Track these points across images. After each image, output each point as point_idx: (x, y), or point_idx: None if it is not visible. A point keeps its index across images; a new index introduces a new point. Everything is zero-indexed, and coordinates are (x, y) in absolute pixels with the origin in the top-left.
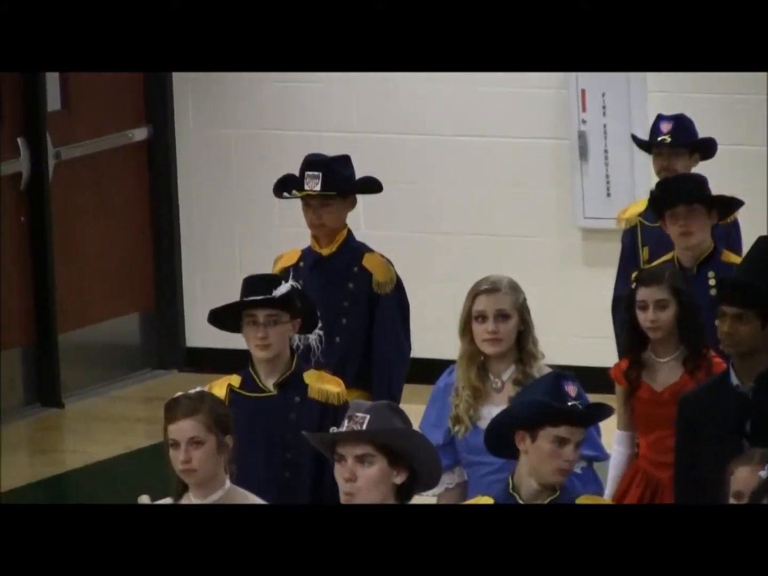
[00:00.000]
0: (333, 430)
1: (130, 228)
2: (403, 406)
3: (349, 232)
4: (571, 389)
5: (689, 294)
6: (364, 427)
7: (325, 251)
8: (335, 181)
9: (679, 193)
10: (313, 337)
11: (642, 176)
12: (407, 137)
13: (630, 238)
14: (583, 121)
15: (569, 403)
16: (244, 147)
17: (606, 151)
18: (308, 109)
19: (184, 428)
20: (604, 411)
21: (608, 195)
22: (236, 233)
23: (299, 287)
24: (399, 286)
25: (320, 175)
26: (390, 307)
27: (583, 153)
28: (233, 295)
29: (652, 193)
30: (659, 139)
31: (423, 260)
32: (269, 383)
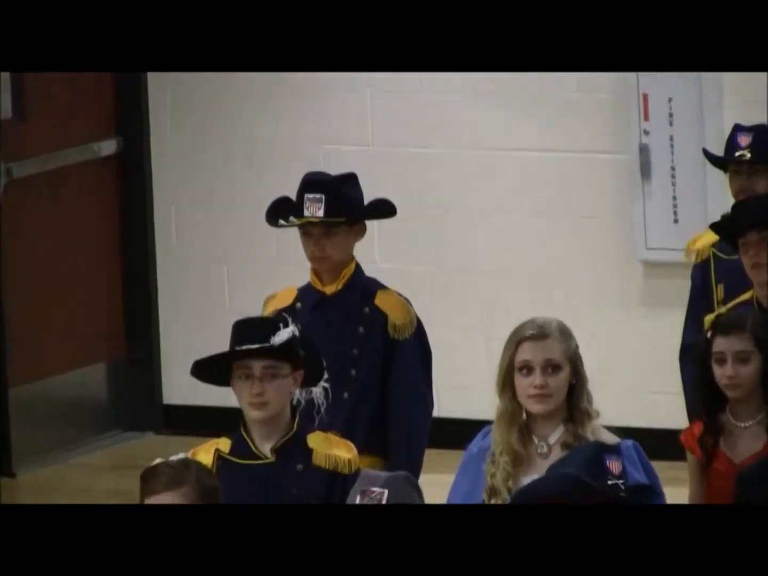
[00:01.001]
0: None
1: (96, 260)
2: (425, 476)
3: (358, 266)
4: (615, 466)
5: None
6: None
7: (329, 289)
8: (341, 205)
9: (752, 217)
10: (317, 391)
11: (716, 199)
12: (430, 150)
13: (701, 274)
14: (646, 132)
15: (609, 482)
16: (233, 163)
17: (673, 169)
18: (310, 120)
19: (165, 503)
20: (649, 496)
21: (675, 221)
22: (225, 268)
23: (301, 332)
24: (420, 331)
25: (323, 197)
26: (409, 355)
27: (646, 170)
28: (221, 342)
29: (723, 218)
30: (737, 155)
31: (449, 300)
32: (265, 448)
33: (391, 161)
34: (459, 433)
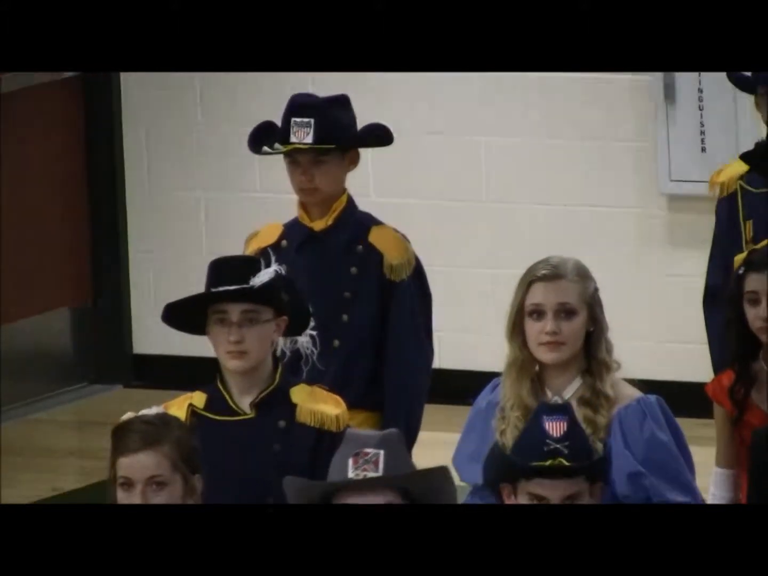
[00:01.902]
0: (334, 472)
1: (58, 194)
2: (426, 433)
3: (350, 199)
4: (555, 426)
5: None
6: (381, 468)
7: (318, 225)
8: (332, 130)
9: None
10: (303, 341)
11: (748, 127)
12: (444, 74)
13: (727, 209)
14: None
15: (549, 447)
16: (214, 82)
17: (700, 91)
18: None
19: (142, 464)
20: (595, 464)
21: (703, 150)
22: (201, 199)
23: (285, 274)
24: (419, 271)
25: (312, 122)
26: (408, 298)
27: (670, 93)
28: (197, 284)
29: (757, 146)
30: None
31: (453, 237)
32: (245, 403)
33: (385, 85)
34: (464, 386)
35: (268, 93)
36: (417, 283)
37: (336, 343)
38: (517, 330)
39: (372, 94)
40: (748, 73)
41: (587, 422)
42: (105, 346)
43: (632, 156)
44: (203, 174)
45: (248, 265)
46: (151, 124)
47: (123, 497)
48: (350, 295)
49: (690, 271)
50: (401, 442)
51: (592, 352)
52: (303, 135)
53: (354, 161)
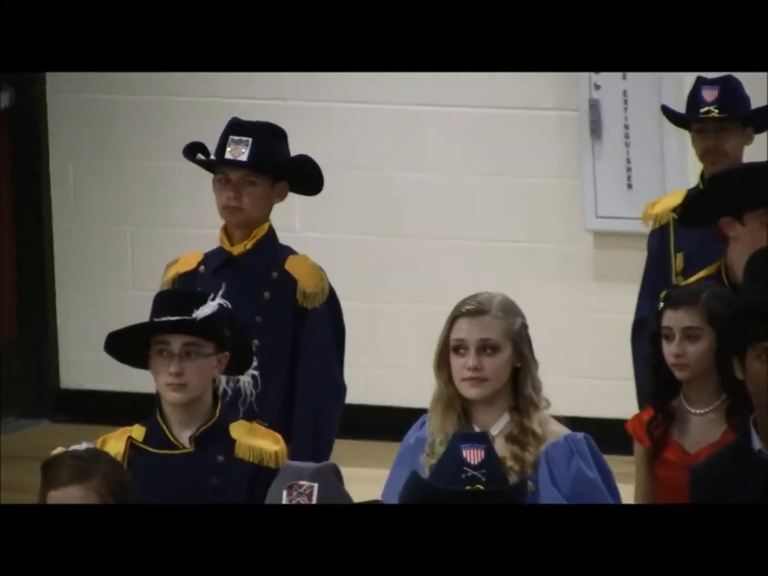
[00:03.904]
0: (269, 503)
1: None
2: (350, 469)
3: (272, 229)
4: (473, 455)
5: None
6: (314, 500)
7: (237, 249)
8: (267, 155)
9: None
10: (245, 380)
11: (674, 163)
12: (369, 106)
13: (659, 241)
14: (596, 87)
15: (467, 474)
16: (135, 114)
17: (627, 127)
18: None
19: (71, 497)
20: (510, 490)
21: (629, 187)
22: (128, 232)
23: (230, 310)
24: (333, 301)
25: (249, 141)
26: (320, 326)
27: (596, 129)
28: (124, 318)
29: (701, 193)
30: (702, 111)
31: (380, 272)
32: (184, 437)
33: (314, 119)
34: (391, 423)
35: (195, 128)
36: (330, 313)
37: None
38: (443, 365)
39: (298, 127)
40: (682, 111)
41: (515, 459)
42: (30, 380)
43: (559, 192)
44: (129, 207)
45: (193, 298)
46: (78, 158)
47: None
48: (262, 320)
49: (615, 307)
50: (337, 474)
51: (519, 388)
52: (238, 153)
53: (281, 195)
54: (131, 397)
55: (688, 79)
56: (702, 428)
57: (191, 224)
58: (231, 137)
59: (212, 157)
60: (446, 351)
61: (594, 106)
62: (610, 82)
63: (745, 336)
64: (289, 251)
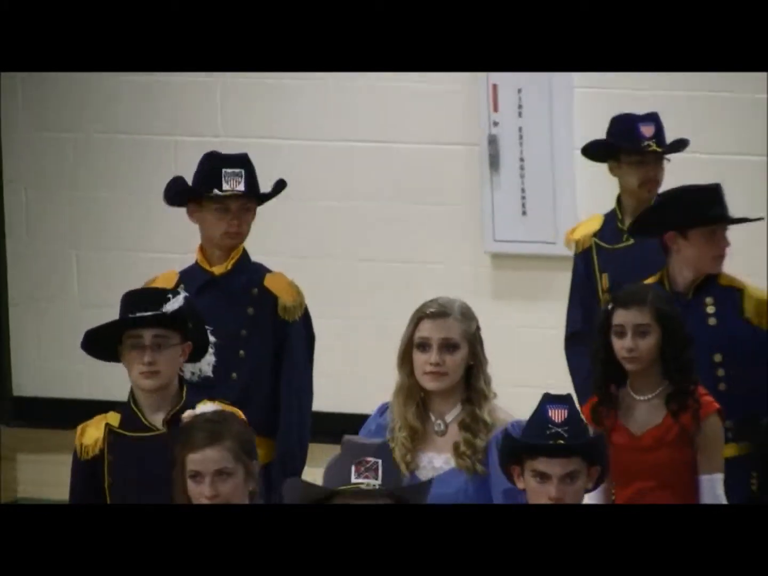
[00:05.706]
0: (336, 477)
1: None
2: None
3: (245, 248)
4: (558, 414)
5: (676, 320)
6: (380, 477)
7: (218, 270)
8: (256, 183)
9: (722, 208)
10: (206, 368)
11: (565, 190)
12: (292, 142)
13: (584, 264)
14: (495, 123)
15: (551, 431)
16: (87, 151)
17: (522, 160)
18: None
19: (209, 458)
20: (594, 440)
21: (524, 213)
22: (73, 255)
23: (189, 303)
24: (307, 315)
25: (242, 172)
26: (300, 336)
27: (494, 162)
28: (73, 330)
29: (654, 209)
30: (644, 145)
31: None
32: (156, 420)
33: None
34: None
35: (140, 163)
36: (306, 325)
37: (234, 375)
38: (406, 360)
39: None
40: (573, 148)
41: (467, 444)
42: None
43: (461, 218)
44: (77, 232)
45: (159, 294)
46: (30, 184)
47: (193, 487)
48: (247, 333)
49: (513, 322)
50: (390, 452)
51: (472, 382)
52: (235, 184)
53: (254, 215)
54: (79, 404)
55: (578, 118)
56: (646, 413)
57: (133, 248)
58: (225, 170)
59: (217, 192)
60: (410, 348)
61: (493, 141)
62: (508, 119)
63: None
64: (264, 269)
